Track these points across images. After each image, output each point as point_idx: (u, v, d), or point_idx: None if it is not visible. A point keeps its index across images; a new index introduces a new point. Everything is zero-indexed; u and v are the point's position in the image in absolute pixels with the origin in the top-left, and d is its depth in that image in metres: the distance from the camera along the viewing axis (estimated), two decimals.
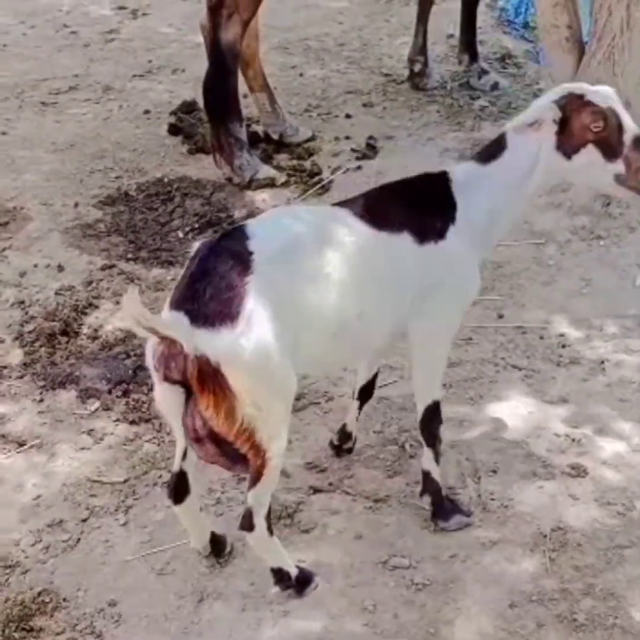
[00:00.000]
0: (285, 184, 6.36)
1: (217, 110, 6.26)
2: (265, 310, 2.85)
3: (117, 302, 4.92)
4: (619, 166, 3.22)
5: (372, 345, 3.42)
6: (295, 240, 3.03)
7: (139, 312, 2.69)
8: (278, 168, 6.52)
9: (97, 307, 5.00)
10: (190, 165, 6.67)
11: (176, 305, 2.89)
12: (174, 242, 5.80)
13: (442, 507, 3.62)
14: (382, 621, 3.28)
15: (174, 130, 7.11)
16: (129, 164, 6.56)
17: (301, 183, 6.37)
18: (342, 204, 3.33)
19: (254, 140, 6.78)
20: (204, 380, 2.80)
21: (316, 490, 3.85)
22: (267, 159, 6.64)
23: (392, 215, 3.25)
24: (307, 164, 6.56)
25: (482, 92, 7.33)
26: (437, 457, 3.60)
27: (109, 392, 4.43)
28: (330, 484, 3.88)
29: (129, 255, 5.53)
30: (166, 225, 5.97)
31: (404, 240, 3.22)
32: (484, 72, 7.41)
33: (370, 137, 6.82)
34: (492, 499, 3.78)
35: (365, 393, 3.87)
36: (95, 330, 4.82)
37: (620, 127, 3.21)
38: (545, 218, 5.51)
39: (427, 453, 3.60)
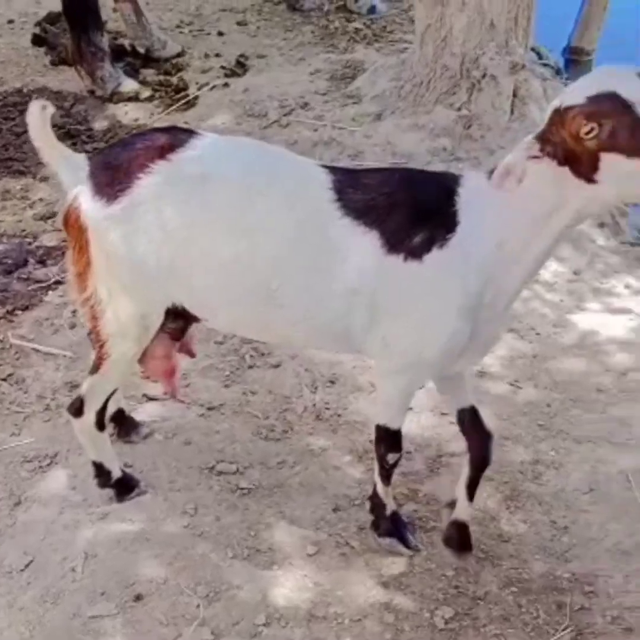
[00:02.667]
0: (149, 99, 6.23)
1: (77, 19, 6.07)
2: (149, 208, 2.72)
3: None
4: None
5: (297, 334, 2.92)
6: (238, 168, 2.75)
7: (43, 128, 2.74)
8: (143, 82, 6.37)
9: None
10: (52, 77, 6.48)
11: (91, 156, 2.88)
12: (28, 153, 5.57)
13: (382, 522, 3.19)
14: (202, 523, 3.22)
15: (37, 40, 6.88)
16: None
17: (166, 98, 6.23)
18: (334, 168, 2.81)
19: (120, 53, 6.61)
20: (69, 230, 2.83)
21: (150, 399, 3.77)
22: (133, 72, 6.48)
23: (371, 206, 2.67)
24: (174, 80, 6.42)
25: (358, 15, 7.24)
26: (383, 479, 3.12)
27: None
28: (165, 393, 3.79)
29: None
30: (22, 135, 5.73)
31: (367, 239, 2.66)
32: None
33: (241, 55, 6.69)
34: (327, 408, 3.76)
35: None
36: None
37: (628, 109, 2.34)
38: (407, 139, 5.46)
39: (375, 467, 3.12)
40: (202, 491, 3.36)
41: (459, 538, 3.14)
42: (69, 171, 2.81)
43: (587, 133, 2.37)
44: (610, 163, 2.38)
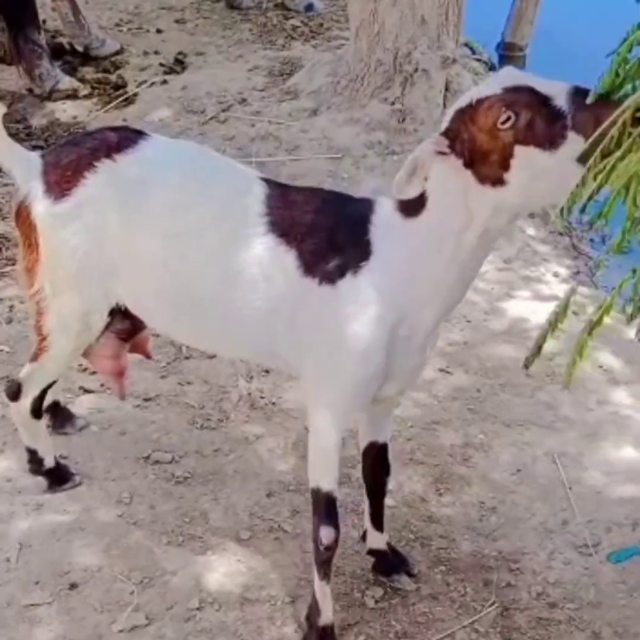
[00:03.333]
0: (88, 96, 6.24)
1: (14, 17, 6.06)
2: (92, 208, 2.76)
3: None
4: (578, 140, 2.22)
5: (228, 347, 2.97)
6: (178, 174, 2.76)
7: None
8: (82, 80, 6.37)
9: None
10: None
11: (44, 153, 2.90)
12: None
13: (310, 634, 2.88)
14: (136, 512, 3.27)
15: None
16: None
17: (105, 95, 6.25)
18: (271, 182, 2.75)
19: (59, 52, 6.61)
20: (20, 226, 2.87)
21: (86, 391, 3.80)
22: (71, 71, 6.49)
23: (294, 224, 2.61)
24: (112, 77, 6.43)
25: (296, 12, 7.32)
26: (318, 568, 2.82)
27: None
28: (101, 385, 3.83)
29: None
30: None
31: (287, 259, 2.59)
32: None
33: (180, 53, 6.73)
34: (262, 397, 3.82)
35: None
36: None
37: (545, 101, 2.25)
38: (343, 133, 5.54)
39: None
40: (138, 480, 3.40)
41: (382, 563, 3.12)
42: (22, 168, 2.84)
43: (504, 122, 2.24)
44: (525, 157, 2.26)
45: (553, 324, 2.45)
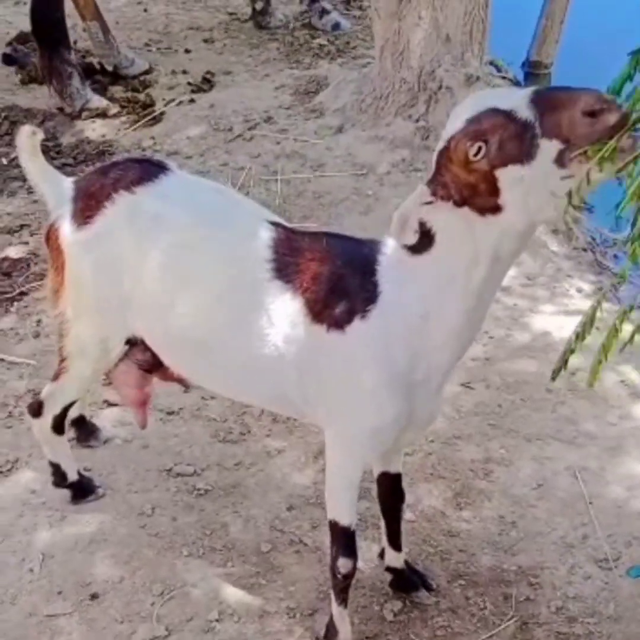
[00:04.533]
0: (117, 115, 6.31)
1: (45, 37, 6.16)
2: (110, 239, 2.80)
3: None
4: (551, 145, 2.19)
5: (237, 393, 3.00)
6: (191, 214, 2.78)
7: (33, 152, 2.90)
8: (111, 99, 6.46)
9: None
10: (22, 95, 6.56)
11: (78, 177, 2.99)
12: None
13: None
14: (158, 524, 3.30)
15: (8, 60, 6.98)
16: None
17: (134, 114, 6.32)
18: (280, 225, 2.74)
19: (89, 71, 6.71)
20: (50, 249, 2.95)
21: (110, 404, 3.84)
22: (101, 90, 6.58)
23: (299, 270, 2.60)
24: (141, 96, 6.50)
25: (323, 31, 7.38)
26: (337, 595, 2.86)
27: None
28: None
29: None
30: None
31: (294, 306, 2.58)
32: (326, 12, 7.48)
33: (207, 72, 6.80)
34: None
35: None
36: None
37: (509, 116, 2.21)
38: (367, 150, 5.58)
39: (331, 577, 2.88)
40: (159, 493, 3.44)
41: (400, 581, 3.13)
42: (55, 193, 2.92)
43: (476, 154, 2.21)
44: (509, 178, 2.22)
45: (580, 336, 2.45)
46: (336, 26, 7.38)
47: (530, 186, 2.23)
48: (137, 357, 3.05)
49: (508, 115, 2.20)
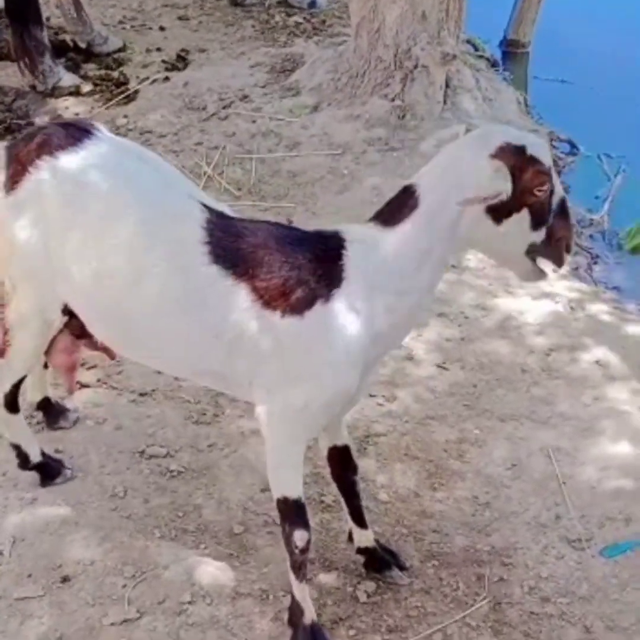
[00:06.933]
0: (90, 93, 6.25)
1: (18, 14, 6.08)
2: (33, 204, 2.77)
3: None
4: (539, 234, 2.55)
5: (167, 366, 2.97)
6: (112, 181, 2.71)
7: None
8: (85, 77, 6.40)
9: None
10: None
11: (8, 145, 2.92)
12: None
13: (299, 634, 2.85)
14: (130, 506, 3.27)
15: None
16: None
17: (107, 92, 6.27)
18: (214, 210, 2.69)
19: (62, 49, 6.63)
20: None
21: (82, 385, 3.80)
22: (74, 68, 6.50)
23: (245, 256, 2.58)
24: (114, 74, 6.45)
25: (299, 9, 7.32)
26: (296, 572, 2.81)
27: None
28: (98, 380, 3.84)
29: None
30: None
31: (239, 292, 2.57)
32: None
33: (182, 50, 6.74)
34: None
35: None
36: None
37: (551, 191, 2.54)
38: (343, 129, 5.54)
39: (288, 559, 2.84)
40: (132, 474, 3.41)
41: (373, 561, 3.11)
42: None
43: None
44: (521, 218, 2.53)
45: None
46: (312, 4, 7.33)
47: (513, 241, 2.59)
48: (69, 322, 3.00)
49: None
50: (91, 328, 2.90)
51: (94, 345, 3.07)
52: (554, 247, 2.57)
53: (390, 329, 2.61)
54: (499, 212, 2.50)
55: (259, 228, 2.67)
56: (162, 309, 2.65)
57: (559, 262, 2.61)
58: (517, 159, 2.47)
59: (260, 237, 2.61)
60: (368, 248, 2.56)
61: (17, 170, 2.78)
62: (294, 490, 2.75)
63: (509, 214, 2.50)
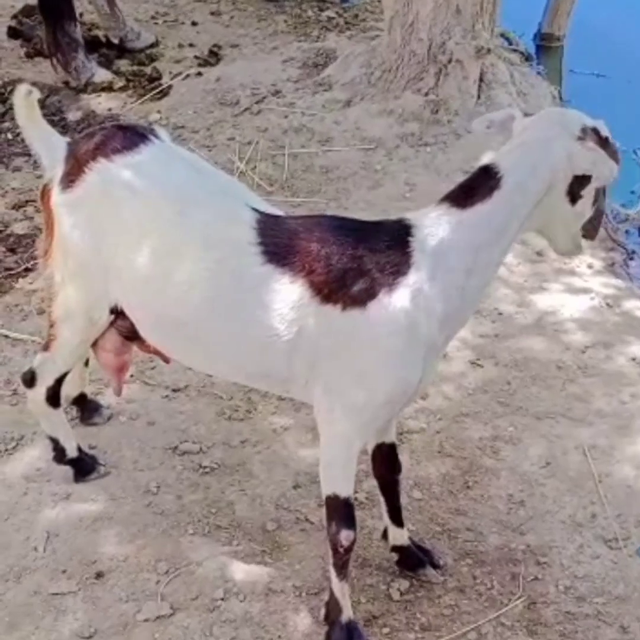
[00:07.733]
0: (123, 88, 6.25)
1: (52, 11, 6.11)
2: (88, 205, 2.79)
3: None
4: (592, 210, 2.63)
5: (221, 371, 2.97)
6: (161, 188, 2.73)
7: (29, 109, 2.87)
8: (118, 73, 6.40)
9: None
10: (27, 69, 6.50)
11: (72, 139, 2.95)
12: (2, 142, 5.64)
13: (334, 631, 2.83)
14: (163, 502, 3.28)
15: (13, 33, 6.90)
16: None
17: (140, 88, 6.26)
18: (263, 212, 2.69)
19: (95, 45, 6.64)
20: (44, 208, 2.94)
21: None
22: (107, 63, 6.51)
23: (301, 252, 2.56)
24: (147, 70, 6.44)
25: (331, 3, 7.31)
26: (338, 571, 2.79)
27: None
28: (131, 376, 3.84)
29: None
30: None
31: (295, 289, 2.55)
32: None
33: (215, 45, 6.73)
34: None
35: None
36: None
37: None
38: (376, 124, 5.51)
39: (329, 556, 2.83)
40: (165, 471, 3.41)
41: (406, 559, 3.09)
42: (50, 153, 2.88)
43: None
44: (589, 197, 2.60)
45: None
46: None
47: (577, 221, 2.65)
48: (117, 323, 3.00)
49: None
50: (142, 331, 2.90)
51: (147, 347, 3.04)
52: (593, 221, 2.65)
53: (459, 309, 2.60)
54: (576, 192, 2.55)
55: (315, 223, 2.66)
56: (216, 313, 2.65)
57: (593, 235, 2.70)
58: (598, 140, 2.54)
59: (316, 232, 2.59)
60: (439, 230, 2.54)
61: (74, 169, 2.80)
62: (345, 488, 2.74)
63: (582, 195, 2.56)
